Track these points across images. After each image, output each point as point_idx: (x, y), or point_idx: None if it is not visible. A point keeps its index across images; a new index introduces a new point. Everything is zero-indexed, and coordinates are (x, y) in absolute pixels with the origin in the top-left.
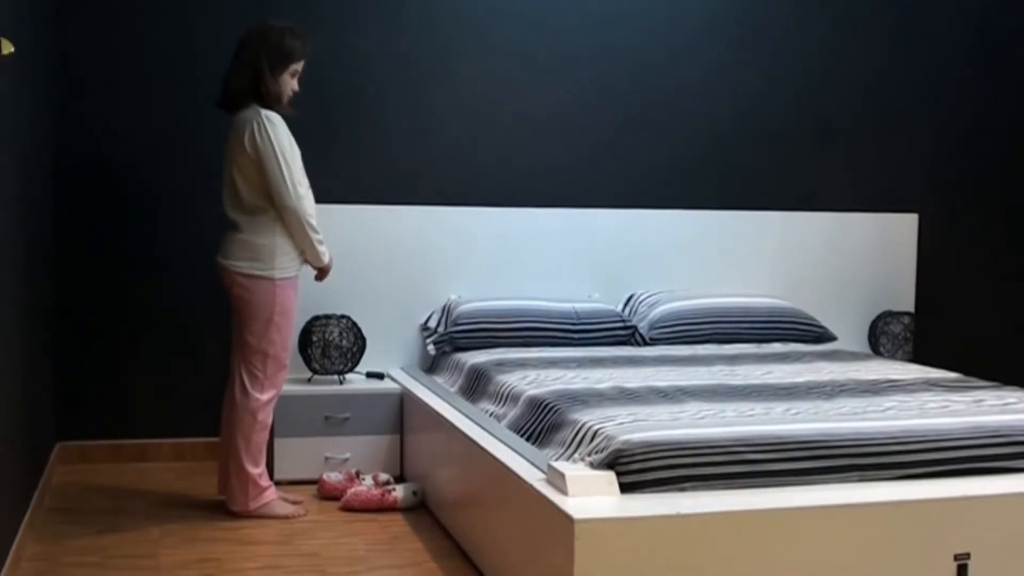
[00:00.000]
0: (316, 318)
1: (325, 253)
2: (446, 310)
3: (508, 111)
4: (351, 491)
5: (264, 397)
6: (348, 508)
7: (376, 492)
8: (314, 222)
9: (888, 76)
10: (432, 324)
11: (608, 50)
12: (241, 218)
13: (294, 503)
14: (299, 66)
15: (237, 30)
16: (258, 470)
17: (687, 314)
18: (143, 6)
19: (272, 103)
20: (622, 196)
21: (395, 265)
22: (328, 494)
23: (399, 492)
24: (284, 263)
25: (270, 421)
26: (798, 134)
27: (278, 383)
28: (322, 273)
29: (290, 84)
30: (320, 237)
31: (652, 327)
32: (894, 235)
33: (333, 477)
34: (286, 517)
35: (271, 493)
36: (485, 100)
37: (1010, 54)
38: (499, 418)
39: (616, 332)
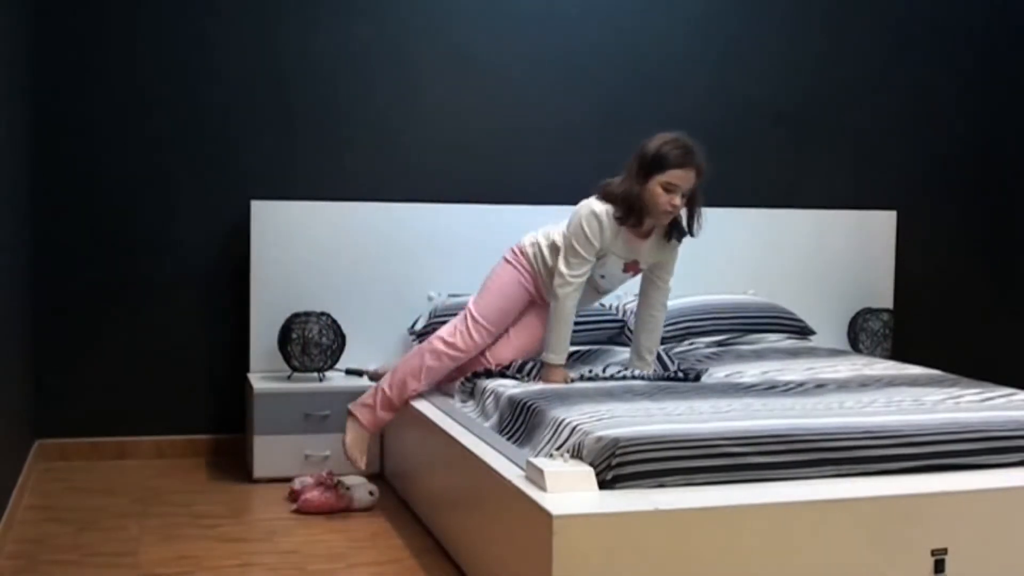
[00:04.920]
0: (296, 315)
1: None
2: (432, 314)
3: (487, 110)
4: (302, 497)
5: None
6: (304, 512)
7: (330, 497)
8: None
9: (867, 75)
10: (418, 327)
11: (593, 45)
12: None
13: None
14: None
15: (218, 50)
16: (386, 392)
17: (668, 311)
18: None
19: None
20: None
21: (375, 262)
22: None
23: (355, 494)
24: None
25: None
26: (778, 132)
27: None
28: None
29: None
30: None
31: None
32: (873, 232)
33: (299, 483)
34: (348, 451)
35: (371, 426)
36: (466, 99)
37: (989, 54)
38: (482, 420)
39: (604, 327)
